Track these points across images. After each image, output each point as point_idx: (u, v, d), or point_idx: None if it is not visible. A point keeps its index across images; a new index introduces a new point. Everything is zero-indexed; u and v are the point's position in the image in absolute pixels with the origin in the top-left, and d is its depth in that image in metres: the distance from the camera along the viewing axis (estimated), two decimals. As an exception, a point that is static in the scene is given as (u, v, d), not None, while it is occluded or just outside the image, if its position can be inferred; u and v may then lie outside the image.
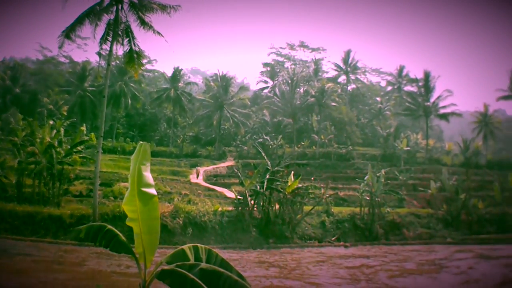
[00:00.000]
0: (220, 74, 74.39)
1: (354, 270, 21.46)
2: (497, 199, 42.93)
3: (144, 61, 61.44)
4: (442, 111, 72.32)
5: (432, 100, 72.39)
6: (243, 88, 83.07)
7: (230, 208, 33.01)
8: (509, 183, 44.69)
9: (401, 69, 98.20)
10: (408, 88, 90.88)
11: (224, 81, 72.68)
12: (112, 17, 31.17)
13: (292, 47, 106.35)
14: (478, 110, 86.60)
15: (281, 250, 29.07)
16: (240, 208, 32.66)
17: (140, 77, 69.87)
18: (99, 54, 33.27)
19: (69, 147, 35.20)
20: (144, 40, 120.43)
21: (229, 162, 62.00)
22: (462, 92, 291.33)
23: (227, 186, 45.23)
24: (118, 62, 62.22)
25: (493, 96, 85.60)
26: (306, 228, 33.57)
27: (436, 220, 38.79)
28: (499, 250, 29.56)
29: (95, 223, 13.51)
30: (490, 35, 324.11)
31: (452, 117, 75.04)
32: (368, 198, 37.05)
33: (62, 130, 36.13)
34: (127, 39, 31.53)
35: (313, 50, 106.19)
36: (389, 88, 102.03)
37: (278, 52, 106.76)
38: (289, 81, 76.67)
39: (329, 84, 78.59)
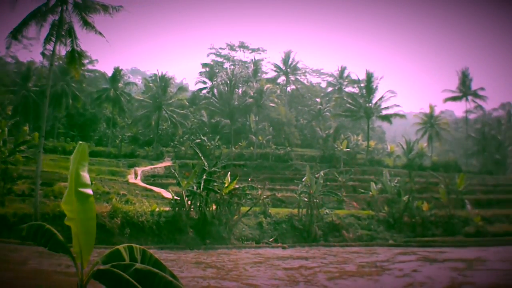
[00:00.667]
0: (159, 75, 74.56)
1: (292, 271, 20.98)
2: (443, 201, 42.97)
3: (86, 61, 62.97)
4: (384, 112, 71.89)
5: (374, 101, 71.80)
6: (182, 88, 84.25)
7: (167, 209, 33.11)
8: (455, 185, 44.52)
9: (342, 70, 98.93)
10: (349, 89, 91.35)
11: (163, 82, 72.86)
12: (57, 17, 31.63)
13: (231, 47, 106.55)
14: (424, 111, 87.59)
15: (218, 251, 29.21)
16: (177, 208, 32.70)
17: (81, 77, 68.23)
18: (43, 54, 35.22)
19: (12, 146, 36.01)
20: (86, 41, 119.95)
21: (167, 163, 61.42)
22: (409, 93, 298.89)
23: (165, 186, 44.94)
24: (61, 62, 60.91)
25: (442, 98, 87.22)
26: (243, 229, 33.61)
27: (377, 222, 38.96)
28: (446, 253, 29.49)
29: (35, 222, 13.57)
30: (438, 35, 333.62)
31: (396, 119, 75.02)
32: (306, 200, 37.04)
33: (6, 130, 36.54)
34: (70, 39, 32.33)
35: (253, 50, 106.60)
36: (330, 89, 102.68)
37: (218, 53, 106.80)
38: (228, 82, 77.43)
39: (268, 85, 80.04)
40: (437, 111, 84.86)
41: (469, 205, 44.20)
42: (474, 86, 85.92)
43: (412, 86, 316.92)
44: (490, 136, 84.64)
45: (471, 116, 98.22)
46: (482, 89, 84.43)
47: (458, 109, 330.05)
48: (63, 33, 31.78)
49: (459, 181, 44.56)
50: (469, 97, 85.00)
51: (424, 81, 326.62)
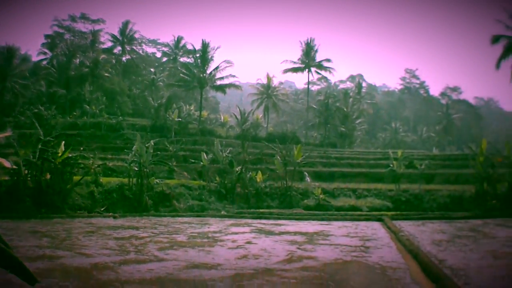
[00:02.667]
0: (5, 46, 77.86)
1: (123, 241, 21.07)
2: (279, 173, 43.66)
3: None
4: (219, 82, 75.01)
5: (209, 71, 74.33)
6: (25, 59, 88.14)
7: (6, 178, 34.19)
8: (292, 156, 44.62)
9: (178, 40, 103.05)
10: (184, 59, 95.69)
11: (9, 53, 76.42)
12: None
13: (73, 19, 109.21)
14: (261, 82, 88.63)
15: (53, 220, 30.28)
16: (15, 178, 33.94)
17: None
18: None
19: None
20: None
21: (9, 133, 60.47)
22: (256, 65, 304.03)
23: (5, 156, 42.85)
24: None
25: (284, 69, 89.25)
26: (76, 198, 35.18)
27: (208, 192, 40.56)
28: (283, 226, 29.10)
29: None
30: (286, 6, 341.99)
31: (234, 90, 78.94)
32: (136, 169, 38.80)
33: None
34: None
35: (93, 21, 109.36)
36: (165, 59, 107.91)
37: (60, 24, 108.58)
38: (66, 52, 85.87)
39: (103, 55, 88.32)
40: (276, 82, 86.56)
41: (308, 177, 44.69)
42: (321, 57, 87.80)
43: (261, 57, 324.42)
44: (335, 108, 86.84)
45: (315, 88, 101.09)
46: (327, 60, 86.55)
47: (301, 80, 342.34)
48: None
49: (296, 152, 44.72)
50: (314, 69, 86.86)
51: (273, 52, 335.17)
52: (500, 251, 19.17)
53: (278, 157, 45.13)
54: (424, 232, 25.92)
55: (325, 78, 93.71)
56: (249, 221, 32.30)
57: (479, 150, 45.73)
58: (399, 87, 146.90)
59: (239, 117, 76.87)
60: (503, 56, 47.18)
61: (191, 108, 78.02)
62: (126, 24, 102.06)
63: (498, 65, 47.47)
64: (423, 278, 13.35)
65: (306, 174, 45.63)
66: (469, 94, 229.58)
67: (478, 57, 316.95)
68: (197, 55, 77.56)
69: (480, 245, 21.05)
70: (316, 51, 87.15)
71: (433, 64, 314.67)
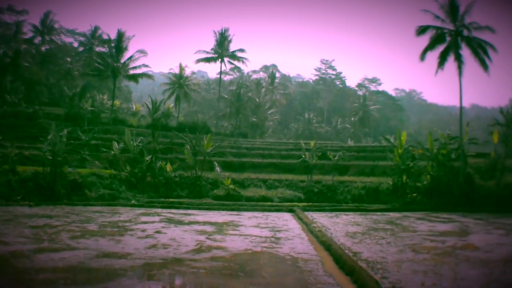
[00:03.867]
0: None
1: (38, 229, 21.62)
2: (188, 162, 43.85)
3: None
4: (132, 72, 74.51)
5: (123, 60, 74.02)
6: None
7: None
8: (202, 146, 44.73)
9: (95, 29, 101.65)
10: (100, 49, 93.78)
11: None
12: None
13: (1, 10, 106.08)
14: (173, 71, 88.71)
15: None
16: None
17: None
18: None
19: None
20: None
21: None
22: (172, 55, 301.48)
23: None
24: None
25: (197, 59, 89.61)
26: None
27: (119, 181, 40.39)
28: (192, 216, 29.23)
29: None
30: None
31: (146, 79, 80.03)
32: (50, 158, 38.37)
33: None
34: None
35: (18, 13, 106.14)
36: (81, 48, 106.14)
37: None
38: None
39: (24, 46, 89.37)
40: (189, 72, 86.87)
41: (218, 167, 44.78)
42: (235, 47, 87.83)
43: (177, 48, 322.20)
44: (247, 98, 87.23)
45: (228, 78, 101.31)
46: (241, 50, 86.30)
47: (217, 70, 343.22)
48: None
49: (206, 142, 44.87)
50: (227, 59, 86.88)
51: (190, 42, 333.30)
52: (421, 245, 19.20)
53: (188, 147, 45.11)
54: (337, 224, 26.13)
55: (238, 68, 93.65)
56: (159, 210, 32.39)
57: (398, 142, 45.85)
58: (314, 77, 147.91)
59: (150, 106, 76.68)
60: (429, 47, 46.02)
61: (104, 97, 78.04)
62: (47, 14, 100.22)
63: (423, 57, 46.44)
64: (336, 271, 13.54)
65: (216, 164, 45.51)
66: (394, 85, 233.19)
67: (403, 48, 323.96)
68: (112, 44, 76.55)
69: (399, 238, 21.00)
70: (230, 41, 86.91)
71: (353, 55, 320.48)
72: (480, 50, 45.13)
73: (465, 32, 45.55)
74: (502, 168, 44.82)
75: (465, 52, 45.45)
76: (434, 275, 13.24)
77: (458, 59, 44.79)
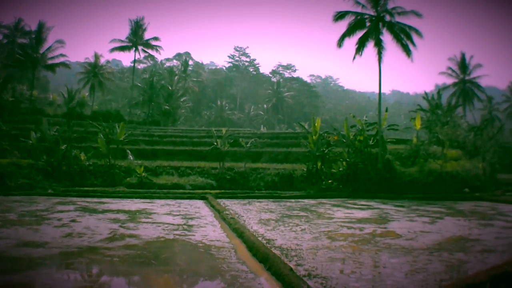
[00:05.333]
0: None
1: None
2: (102, 151, 43.47)
3: None
4: (50, 62, 75.86)
5: (42, 51, 74.95)
6: None
7: None
8: (115, 134, 44.65)
9: (18, 22, 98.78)
10: (22, 40, 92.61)
11: None
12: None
13: None
14: (89, 61, 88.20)
15: None
16: None
17: None
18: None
19: None
20: None
21: None
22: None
23: None
24: None
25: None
26: None
27: (36, 170, 39.68)
28: (106, 204, 29.09)
29: None
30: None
31: (64, 69, 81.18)
32: None
33: None
34: None
35: None
36: (6, 41, 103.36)
37: None
38: None
39: None
40: (104, 61, 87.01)
41: (131, 155, 44.72)
42: (150, 36, 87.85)
43: (94, 37, 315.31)
44: (160, 86, 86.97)
45: (142, 66, 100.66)
46: (155, 38, 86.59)
47: (128, 58, 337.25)
48: None
49: (120, 130, 44.73)
50: (141, 47, 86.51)
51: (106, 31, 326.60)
52: (337, 232, 18.93)
53: (101, 135, 44.57)
54: (250, 211, 26.24)
55: (152, 56, 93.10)
56: (74, 199, 31.93)
57: (312, 128, 45.43)
58: (228, 65, 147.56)
59: (66, 95, 76.08)
60: (347, 33, 44.39)
61: (24, 87, 78.34)
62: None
63: (340, 43, 44.73)
64: (249, 258, 13.50)
65: (129, 152, 45.38)
66: (312, 72, 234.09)
67: (322, 35, 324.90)
68: (33, 36, 77.62)
69: (314, 225, 20.65)
70: (145, 29, 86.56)
71: (269, 42, 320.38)
72: (403, 35, 44.27)
73: (388, 17, 44.42)
74: (426, 154, 44.62)
75: (389, 38, 44.42)
76: (352, 263, 13.08)
77: (378, 44, 43.73)
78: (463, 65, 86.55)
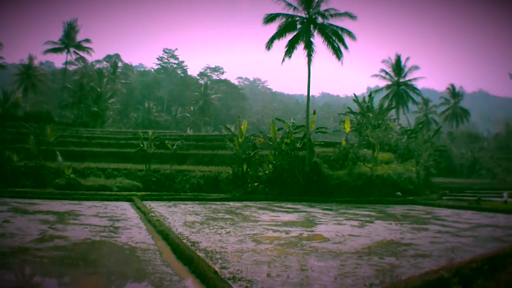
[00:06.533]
0: None
1: None
2: (33, 152, 42.78)
3: None
4: None
5: None
6: None
7: None
8: (46, 136, 44.20)
9: None
10: None
11: None
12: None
13: None
14: (24, 63, 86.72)
15: None
16: None
17: None
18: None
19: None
20: None
21: None
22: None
23: None
24: None
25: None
26: None
27: None
28: (36, 205, 28.82)
29: None
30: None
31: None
32: None
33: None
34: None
35: None
36: None
37: None
38: None
39: None
40: (37, 63, 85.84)
41: (60, 157, 44.42)
42: (83, 38, 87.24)
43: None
44: (89, 87, 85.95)
45: (73, 68, 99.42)
46: (87, 40, 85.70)
47: (60, 60, 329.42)
48: None
49: (49, 132, 44.35)
50: (73, 49, 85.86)
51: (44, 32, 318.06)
52: (263, 235, 18.63)
53: (32, 137, 44.06)
54: (175, 213, 26.28)
55: (83, 58, 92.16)
56: (8, 200, 31.56)
57: (238, 130, 44.97)
58: (156, 67, 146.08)
59: (2, 97, 74.53)
60: (277, 35, 43.00)
61: None
62: None
63: (269, 46, 43.38)
64: (174, 260, 13.33)
65: (58, 153, 44.92)
66: (243, 74, 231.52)
67: (253, 38, 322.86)
68: None
69: (239, 228, 20.37)
70: (78, 31, 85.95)
71: (198, 45, 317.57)
72: (335, 38, 43.10)
73: (320, 20, 43.38)
74: (355, 157, 43.92)
75: (320, 40, 43.43)
76: (278, 266, 12.74)
77: (309, 47, 42.65)
78: (398, 67, 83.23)
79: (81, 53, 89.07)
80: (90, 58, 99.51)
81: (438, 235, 19.76)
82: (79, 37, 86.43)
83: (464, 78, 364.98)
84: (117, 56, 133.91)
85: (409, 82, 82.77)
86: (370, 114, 57.02)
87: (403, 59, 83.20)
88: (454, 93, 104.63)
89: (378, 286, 10.50)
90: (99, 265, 13.06)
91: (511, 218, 25.14)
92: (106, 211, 27.10)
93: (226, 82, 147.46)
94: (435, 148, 52.21)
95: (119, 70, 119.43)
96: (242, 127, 44.93)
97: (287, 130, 43.46)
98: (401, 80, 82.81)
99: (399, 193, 40.57)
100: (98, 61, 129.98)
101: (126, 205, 31.70)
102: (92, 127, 78.32)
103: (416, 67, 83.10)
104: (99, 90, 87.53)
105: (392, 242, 17.62)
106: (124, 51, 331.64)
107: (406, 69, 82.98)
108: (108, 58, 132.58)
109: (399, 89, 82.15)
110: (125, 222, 22.34)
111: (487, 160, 76.84)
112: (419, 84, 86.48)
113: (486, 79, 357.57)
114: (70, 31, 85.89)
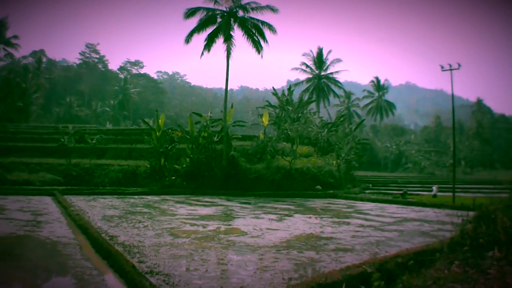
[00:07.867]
0: None
1: None
2: None
3: None
4: None
5: None
6: None
7: None
8: None
9: None
10: None
11: None
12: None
13: None
14: None
15: None
16: None
17: None
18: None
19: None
20: None
21: None
22: None
23: None
24: None
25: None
26: None
27: None
28: None
29: None
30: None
31: None
32: None
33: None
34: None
35: None
36: None
37: None
38: None
39: None
40: None
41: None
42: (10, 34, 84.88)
43: None
44: (15, 83, 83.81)
45: (1, 64, 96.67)
46: (15, 37, 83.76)
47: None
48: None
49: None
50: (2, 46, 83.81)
51: None
52: (180, 229, 18.31)
53: None
54: (95, 208, 26.06)
55: (11, 54, 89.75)
56: None
57: (156, 124, 44.31)
58: (78, 61, 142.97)
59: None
60: (197, 29, 41.87)
61: None
62: None
63: (188, 39, 41.99)
64: (94, 254, 13.04)
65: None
66: (162, 68, 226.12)
67: (174, 31, 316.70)
68: None
69: (157, 222, 20.04)
70: (7, 28, 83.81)
71: (119, 39, 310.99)
72: (256, 31, 42.45)
73: (241, 13, 42.60)
74: (273, 151, 43.04)
75: (240, 33, 42.82)
76: (196, 260, 12.42)
77: (228, 40, 41.88)
78: (319, 60, 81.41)
79: (10, 50, 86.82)
80: (18, 54, 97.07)
81: (361, 229, 19.25)
82: (8, 34, 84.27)
83: (392, 71, 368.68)
84: (42, 51, 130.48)
85: (330, 75, 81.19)
86: (289, 108, 56.24)
87: (325, 53, 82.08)
88: (379, 86, 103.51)
89: (297, 280, 9.94)
90: (25, 259, 12.74)
91: (441, 213, 23.90)
92: (30, 206, 26.83)
93: (145, 76, 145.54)
94: (357, 142, 51.97)
95: (44, 65, 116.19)
96: (159, 121, 44.50)
97: (205, 123, 43.18)
98: (323, 73, 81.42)
99: (319, 186, 40.10)
100: (24, 57, 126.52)
101: (48, 199, 31.28)
102: (17, 122, 76.44)
103: (338, 60, 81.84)
104: (24, 85, 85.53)
105: (312, 236, 17.10)
106: (49, 46, 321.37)
107: (328, 62, 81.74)
108: (33, 54, 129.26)
109: (320, 82, 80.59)
110: (47, 216, 22.18)
111: (414, 154, 77.11)
112: (341, 77, 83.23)
113: (415, 71, 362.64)
114: (1, 28, 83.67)
